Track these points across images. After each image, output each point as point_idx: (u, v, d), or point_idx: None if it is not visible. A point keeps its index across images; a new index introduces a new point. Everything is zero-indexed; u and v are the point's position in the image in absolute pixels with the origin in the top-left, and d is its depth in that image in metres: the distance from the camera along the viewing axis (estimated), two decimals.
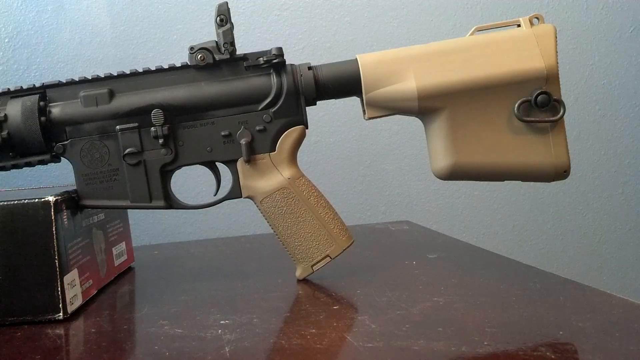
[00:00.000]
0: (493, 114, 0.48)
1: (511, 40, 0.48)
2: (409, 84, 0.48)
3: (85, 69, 0.53)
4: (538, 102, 0.47)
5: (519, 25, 0.49)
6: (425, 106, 0.48)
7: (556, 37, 0.48)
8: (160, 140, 0.50)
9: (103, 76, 0.50)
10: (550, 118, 0.48)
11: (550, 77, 0.47)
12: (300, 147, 0.52)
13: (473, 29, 0.49)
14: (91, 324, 0.46)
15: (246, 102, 0.50)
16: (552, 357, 0.34)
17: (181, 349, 0.39)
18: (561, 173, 0.49)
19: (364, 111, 0.50)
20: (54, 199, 0.46)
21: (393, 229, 0.75)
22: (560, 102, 0.48)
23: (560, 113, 0.47)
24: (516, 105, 0.47)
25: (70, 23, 0.81)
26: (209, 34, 0.51)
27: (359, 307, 0.46)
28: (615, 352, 0.34)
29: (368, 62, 0.49)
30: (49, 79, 0.51)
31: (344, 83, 0.50)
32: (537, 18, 0.49)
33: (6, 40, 0.80)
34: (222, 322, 0.43)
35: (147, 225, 0.74)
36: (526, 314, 0.41)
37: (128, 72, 0.50)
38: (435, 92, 0.48)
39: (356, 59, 0.50)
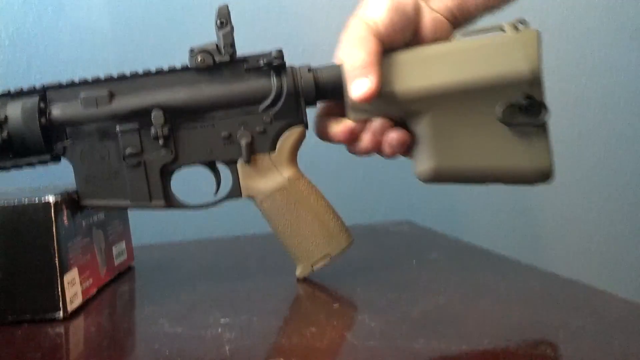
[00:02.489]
0: (477, 117, 0.48)
1: (495, 45, 0.48)
2: (391, 88, 0.48)
3: (85, 70, 0.53)
4: (521, 105, 0.47)
5: (503, 30, 0.49)
6: (409, 110, 0.48)
7: (540, 41, 0.48)
8: (161, 141, 0.50)
9: (103, 77, 0.50)
10: (534, 122, 0.48)
11: (534, 81, 0.47)
12: (301, 147, 0.52)
13: (456, 33, 0.49)
14: (91, 323, 0.46)
15: (246, 104, 0.50)
16: (552, 356, 0.34)
17: (181, 348, 0.39)
18: (544, 177, 0.49)
19: (347, 113, 0.50)
20: (54, 199, 0.46)
21: (393, 229, 0.75)
22: (543, 106, 0.48)
23: (544, 117, 0.48)
24: (499, 108, 0.47)
25: (70, 24, 0.81)
26: (209, 36, 0.51)
27: (359, 306, 0.46)
28: (616, 352, 0.34)
29: None
30: (49, 80, 0.51)
31: (338, 86, 0.50)
32: (521, 22, 0.49)
33: (6, 42, 0.81)
34: (222, 321, 0.43)
35: (148, 225, 0.73)
36: (526, 313, 0.41)
37: (128, 74, 0.50)
38: (418, 96, 0.48)
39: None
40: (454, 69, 0.48)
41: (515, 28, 0.48)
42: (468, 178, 0.49)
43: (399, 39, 0.49)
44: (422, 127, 0.49)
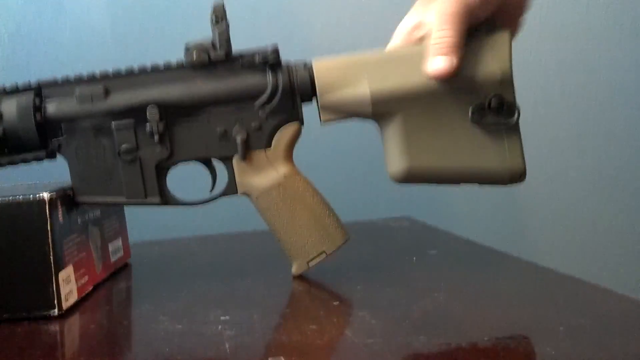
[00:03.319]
0: (448, 118, 0.48)
1: (465, 45, 0.48)
2: (362, 89, 0.48)
3: (85, 67, 0.52)
4: (492, 105, 0.47)
5: (476, 30, 0.48)
6: (379, 111, 0.48)
7: (510, 41, 0.48)
8: (156, 137, 0.49)
9: (98, 74, 0.50)
10: (505, 122, 0.48)
11: (504, 81, 0.47)
12: (300, 143, 0.51)
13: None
14: (88, 321, 0.46)
15: (242, 100, 0.50)
16: (553, 353, 0.33)
17: (181, 345, 0.38)
18: (516, 177, 0.49)
19: (319, 115, 0.50)
20: (49, 195, 0.46)
21: (393, 225, 0.74)
22: (514, 106, 0.48)
23: (515, 117, 0.47)
24: (470, 109, 0.47)
25: (70, 21, 0.81)
26: (209, 33, 0.51)
27: (359, 303, 0.46)
28: (616, 348, 0.34)
29: (322, 67, 0.49)
30: (48, 77, 0.51)
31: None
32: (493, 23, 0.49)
33: (6, 38, 0.80)
34: (222, 318, 0.43)
35: (146, 222, 0.73)
36: (526, 310, 0.41)
37: (123, 70, 0.50)
38: (388, 97, 0.48)
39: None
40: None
41: (486, 28, 0.48)
42: (441, 178, 0.50)
43: (483, 15, 0.48)
44: (394, 128, 0.48)
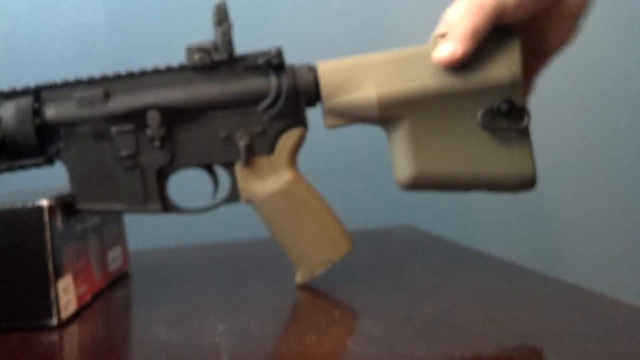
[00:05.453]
0: (456, 122, 0.47)
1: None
2: (369, 92, 0.47)
3: (80, 68, 0.52)
4: (501, 110, 0.46)
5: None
6: (386, 115, 0.48)
7: (521, 45, 0.47)
8: (157, 143, 0.49)
9: (98, 77, 0.50)
10: (514, 127, 0.47)
11: (514, 85, 0.47)
12: (301, 150, 0.51)
13: (436, 36, 0.49)
14: (86, 330, 0.45)
15: (245, 104, 0.49)
16: None
17: (178, 355, 0.38)
18: (526, 183, 0.48)
19: (324, 120, 0.50)
20: (48, 203, 0.46)
21: (395, 234, 0.74)
22: (524, 110, 0.47)
23: (525, 121, 0.47)
24: (479, 113, 0.47)
25: (65, 21, 0.81)
26: (207, 33, 0.50)
27: (360, 312, 0.46)
28: (621, 357, 0.33)
29: (327, 70, 0.49)
30: (43, 78, 0.51)
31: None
32: (502, 26, 0.48)
33: (1, 38, 0.80)
34: (219, 327, 0.42)
35: (144, 230, 0.73)
36: (531, 319, 0.40)
37: (124, 73, 0.49)
38: (396, 100, 0.47)
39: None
40: (432, 72, 0.47)
41: (497, 31, 0.48)
42: (449, 185, 0.49)
43: (518, 16, 0.46)
44: (401, 133, 0.48)
